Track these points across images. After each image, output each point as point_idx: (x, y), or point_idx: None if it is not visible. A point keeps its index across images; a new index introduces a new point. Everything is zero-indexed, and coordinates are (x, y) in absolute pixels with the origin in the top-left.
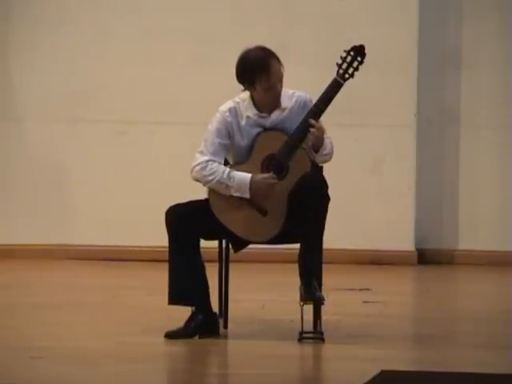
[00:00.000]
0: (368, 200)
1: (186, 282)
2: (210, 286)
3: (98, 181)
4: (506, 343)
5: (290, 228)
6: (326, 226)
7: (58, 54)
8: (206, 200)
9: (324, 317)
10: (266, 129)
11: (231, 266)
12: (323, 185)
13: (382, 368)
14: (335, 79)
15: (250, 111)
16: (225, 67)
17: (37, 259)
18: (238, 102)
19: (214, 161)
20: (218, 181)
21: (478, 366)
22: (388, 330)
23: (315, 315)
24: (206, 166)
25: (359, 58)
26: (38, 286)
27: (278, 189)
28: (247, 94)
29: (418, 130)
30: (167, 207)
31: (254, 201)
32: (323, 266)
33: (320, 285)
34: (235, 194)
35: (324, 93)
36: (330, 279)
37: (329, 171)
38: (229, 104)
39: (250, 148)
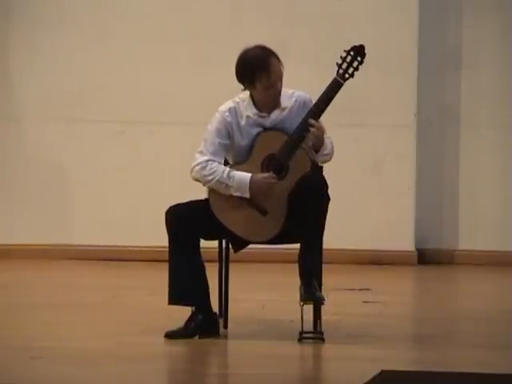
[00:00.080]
0: (368, 200)
1: (186, 282)
2: (210, 285)
3: (98, 181)
4: (506, 343)
5: (289, 228)
6: (325, 226)
7: (57, 54)
8: (206, 200)
9: (324, 317)
10: (265, 129)
11: (231, 266)
12: (323, 185)
13: (382, 368)
14: (335, 79)
15: (249, 111)
16: (225, 67)
17: (35, 259)
18: (237, 102)
19: (214, 161)
20: (218, 180)
21: (477, 366)
22: (388, 330)
23: (315, 315)
24: (205, 166)
25: (359, 58)
26: (38, 286)
27: (278, 189)
28: (247, 93)
29: (418, 130)
30: (167, 207)
31: (254, 201)
32: (323, 265)
33: (320, 285)
34: (235, 194)
35: (324, 93)
36: (330, 279)
37: (329, 171)
38: (228, 104)
39: (250, 148)
